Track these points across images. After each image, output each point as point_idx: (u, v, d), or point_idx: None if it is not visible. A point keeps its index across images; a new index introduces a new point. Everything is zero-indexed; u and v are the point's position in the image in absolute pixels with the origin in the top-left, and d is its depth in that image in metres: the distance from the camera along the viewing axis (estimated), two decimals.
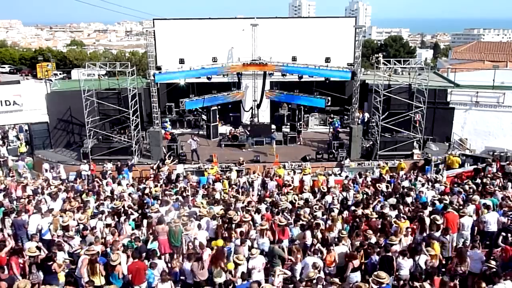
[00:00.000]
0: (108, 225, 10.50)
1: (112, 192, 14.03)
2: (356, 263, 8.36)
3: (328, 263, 8.46)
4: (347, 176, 16.44)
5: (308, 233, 9.64)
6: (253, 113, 24.41)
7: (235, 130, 21.69)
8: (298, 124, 22.70)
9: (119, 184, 15.00)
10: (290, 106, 23.60)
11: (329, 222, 10.24)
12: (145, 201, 12.78)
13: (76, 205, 12.01)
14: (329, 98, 20.93)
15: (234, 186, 14.37)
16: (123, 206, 11.97)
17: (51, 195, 13.08)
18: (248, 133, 22.04)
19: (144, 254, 8.62)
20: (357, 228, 9.89)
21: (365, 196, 12.93)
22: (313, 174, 16.51)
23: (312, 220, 10.47)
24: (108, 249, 9.19)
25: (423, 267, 8.22)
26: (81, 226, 10.52)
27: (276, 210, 11.59)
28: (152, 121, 20.23)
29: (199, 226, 10.29)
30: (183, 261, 8.65)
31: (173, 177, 15.70)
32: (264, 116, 24.57)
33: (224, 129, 23.59)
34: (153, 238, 9.38)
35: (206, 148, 21.43)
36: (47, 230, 10.38)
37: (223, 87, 23.54)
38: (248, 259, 8.37)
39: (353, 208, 11.71)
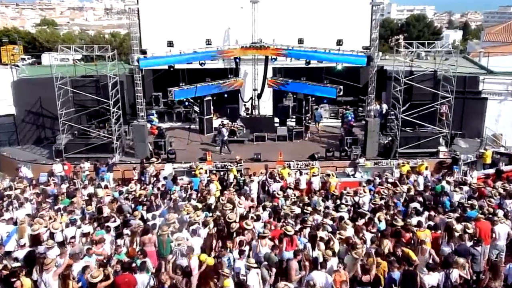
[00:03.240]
0: (86, 234, 10.50)
1: (90, 196, 14.03)
2: (367, 278, 8.32)
3: (338, 284, 8.32)
4: (363, 180, 16.44)
5: (322, 246, 9.62)
6: (253, 104, 24.46)
7: (233, 124, 21.69)
8: (305, 117, 22.75)
9: (99, 186, 15.01)
10: (296, 96, 23.61)
11: (342, 232, 10.24)
12: (128, 206, 12.84)
13: (48, 211, 12.01)
14: (341, 87, 20.92)
15: (231, 189, 14.39)
16: (103, 212, 11.98)
17: (17, 198, 13.09)
18: (244, 127, 22.16)
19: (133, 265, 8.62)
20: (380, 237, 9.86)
21: (383, 201, 12.97)
22: (323, 175, 16.54)
23: (321, 229, 10.51)
24: (89, 261, 9.18)
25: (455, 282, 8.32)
26: (56, 235, 10.52)
27: (279, 216, 11.67)
28: (136, 113, 20.24)
29: (193, 233, 10.30)
30: (175, 273, 8.65)
31: (163, 180, 15.75)
32: (266, 107, 24.58)
33: (219, 122, 23.66)
34: (141, 253, 9.25)
35: (198, 145, 21.46)
36: (7, 239, 10.37)
37: (219, 74, 23.50)
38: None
39: (369, 215, 11.79)
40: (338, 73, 22.09)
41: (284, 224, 10.92)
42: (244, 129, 22.37)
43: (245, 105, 24.34)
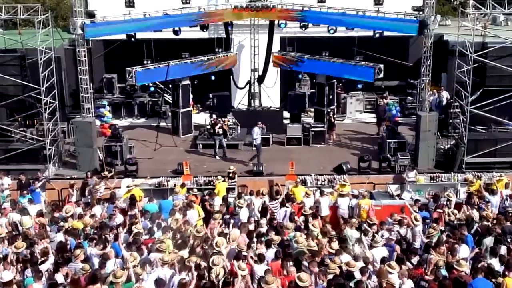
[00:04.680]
0: (6, 284, 10.48)
1: (12, 227, 14.02)
2: None
3: None
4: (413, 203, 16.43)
5: None
6: (252, 91, 24.48)
7: (221, 121, 21.73)
8: (329, 110, 22.79)
9: (23, 212, 15.01)
10: (315, 80, 23.63)
11: (384, 281, 10.25)
12: (62, 240, 12.84)
13: None
14: (382, 67, 20.98)
15: (216, 216, 14.37)
16: (34, 250, 11.94)
17: None
18: (238, 125, 22.23)
19: None
20: None
21: (444, 235, 12.96)
22: (353, 196, 16.47)
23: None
24: None
25: None
26: None
27: (289, 255, 11.65)
28: (80, 105, 20.31)
29: (157, 284, 10.33)
30: None
31: (119, 203, 15.78)
32: (271, 96, 24.64)
33: (202, 118, 23.60)
34: None
35: (172, 151, 21.49)
36: None
37: (201, 47, 23.57)
38: None
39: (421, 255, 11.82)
40: (376, 46, 22.08)
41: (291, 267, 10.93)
42: (239, 128, 22.38)
43: (249, 92, 24.46)
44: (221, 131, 20.84)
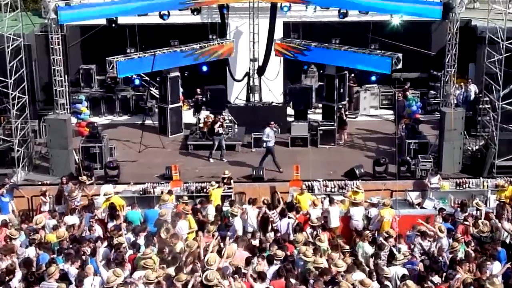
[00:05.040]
0: None
1: None
2: None
3: None
4: (437, 212, 16.43)
5: None
6: (251, 85, 24.53)
7: (216, 118, 21.74)
8: (340, 106, 22.83)
9: None
10: (323, 71, 23.67)
11: None
12: (39, 256, 12.84)
13: None
14: (400, 56, 20.99)
15: (211, 228, 14.40)
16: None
17: None
18: (235, 123, 22.28)
19: None
20: None
21: (470, 249, 13.05)
22: (371, 204, 16.53)
23: None
24: None
25: None
26: None
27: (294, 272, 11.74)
28: (54, 100, 20.34)
29: None
30: None
31: (99, 214, 15.82)
32: (273, 90, 24.70)
33: (193, 115, 23.75)
34: None
35: (159, 153, 21.58)
36: None
37: (193, 34, 23.65)
38: None
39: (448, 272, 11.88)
40: (394, 32, 22.12)
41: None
42: (236, 126, 22.44)
43: (247, 86, 24.51)
44: (221, 130, 20.84)
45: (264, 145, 20.22)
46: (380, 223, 15.46)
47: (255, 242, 13.91)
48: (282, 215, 15.45)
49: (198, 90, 23.06)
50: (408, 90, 24.02)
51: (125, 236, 14.01)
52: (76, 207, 16.21)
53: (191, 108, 24.12)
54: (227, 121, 22.18)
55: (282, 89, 24.94)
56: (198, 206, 16.32)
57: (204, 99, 23.01)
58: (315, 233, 14.47)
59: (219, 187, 17.37)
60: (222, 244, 13.31)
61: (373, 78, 23.21)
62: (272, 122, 20.44)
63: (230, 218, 15.25)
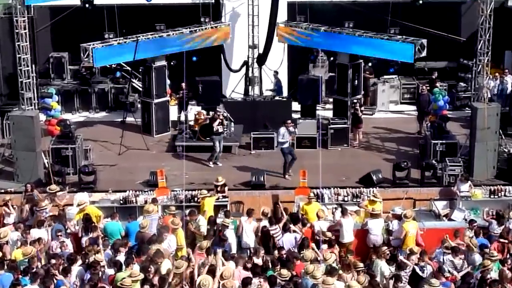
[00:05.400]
0: None
1: None
2: None
3: None
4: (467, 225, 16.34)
5: None
6: (250, 76, 24.50)
7: (216, 115, 21.58)
8: (354, 101, 22.80)
9: None
10: (334, 60, 23.69)
11: None
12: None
13: None
14: (424, 42, 20.97)
15: (204, 244, 14.33)
16: None
17: None
18: (231, 120, 22.24)
19: None
20: None
21: (506, 268, 12.96)
22: (389, 215, 16.53)
23: None
24: None
25: None
26: None
27: None
28: (19, 94, 20.30)
29: None
30: None
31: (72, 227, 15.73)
32: (276, 82, 24.72)
33: (182, 111, 23.62)
34: None
35: (143, 156, 21.58)
36: None
37: (181, 16, 23.68)
38: None
39: None
40: (417, 14, 22.04)
41: None
42: (232, 124, 22.36)
43: (246, 78, 24.46)
44: (221, 129, 20.70)
45: (280, 146, 20.13)
46: (402, 239, 15.35)
47: (258, 261, 13.81)
48: (285, 229, 15.39)
49: (183, 85, 22.79)
50: (436, 82, 23.98)
51: (104, 253, 13.93)
52: (44, 219, 16.09)
53: (177, 100, 24.06)
54: (222, 117, 22.06)
55: (287, 80, 24.91)
56: (187, 217, 16.24)
57: (190, 94, 23.00)
58: (325, 252, 14.37)
59: (211, 195, 17.27)
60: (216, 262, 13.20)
61: (393, 68, 23.08)
62: (289, 121, 20.38)
63: (224, 232, 15.18)
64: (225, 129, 21.66)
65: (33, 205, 17.05)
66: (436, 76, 24.35)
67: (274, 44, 23.66)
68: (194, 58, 23.25)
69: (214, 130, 20.70)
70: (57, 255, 13.93)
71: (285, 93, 24.63)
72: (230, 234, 15.22)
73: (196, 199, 17.88)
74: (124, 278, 12.25)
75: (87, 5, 21.30)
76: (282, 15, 23.84)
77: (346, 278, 12.60)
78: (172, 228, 14.97)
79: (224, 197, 17.92)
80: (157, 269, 13.06)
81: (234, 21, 24.62)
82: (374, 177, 19.38)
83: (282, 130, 19.99)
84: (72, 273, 12.61)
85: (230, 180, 18.71)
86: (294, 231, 15.38)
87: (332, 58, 24.01)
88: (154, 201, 17.06)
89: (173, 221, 15.23)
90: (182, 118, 22.93)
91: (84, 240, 14.82)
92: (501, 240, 14.81)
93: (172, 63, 23.12)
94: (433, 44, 21.70)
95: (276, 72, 24.53)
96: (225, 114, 22.18)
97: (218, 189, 17.92)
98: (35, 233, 15.16)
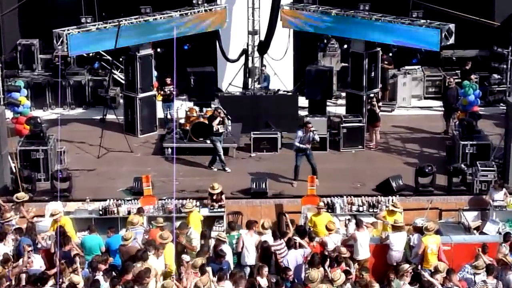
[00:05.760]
0: None
1: None
2: None
3: None
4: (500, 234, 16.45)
5: None
6: (249, 66, 24.58)
7: (216, 112, 21.48)
8: (371, 95, 22.81)
9: None
10: (347, 48, 23.77)
11: None
12: None
13: None
14: (452, 27, 21.01)
15: (198, 262, 14.35)
16: None
17: None
18: (229, 118, 22.15)
19: None
20: None
21: None
22: (410, 227, 16.52)
23: None
24: None
25: None
26: None
27: None
28: None
29: None
30: None
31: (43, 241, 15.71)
32: (280, 74, 24.80)
33: (168, 112, 23.70)
34: None
35: (125, 160, 21.65)
36: None
37: None
38: None
39: None
40: None
41: None
42: (229, 122, 22.32)
43: (245, 68, 24.50)
44: (221, 129, 20.60)
45: (296, 147, 19.99)
46: (422, 255, 15.33)
47: (263, 282, 13.84)
48: (289, 245, 15.30)
49: (168, 80, 22.90)
50: (471, 74, 23.94)
51: (81, 272, 13.93)
52: (6, 232, 16.06)
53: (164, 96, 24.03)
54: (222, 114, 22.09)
55: (292, 72, 24.99)
56: (177, 231, 16.20)
57: (177, 91, 23.04)
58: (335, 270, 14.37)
59: (195, 208, 17.15)
60: (212, 284, 13.24)
61: (416, 57, 23.08)
62: (310, 124, 20.16)
63: (218, 245, 15.19)
64: (226, 129, 21.66)
65: None
66: (470, 66, 24.31)
67: (277, 29, 23.71)
68: (186, 47, 23.28)
69: (214, 130, 20.55)
70: (26, 273, 13.94)
71: (290, 86, 24.57)
72: (226, 248, 15.19)
73: (185, 206, 17.55)
74: None
75: None
76: None
77: None
78: (160, 243, 14.99)
79: (220, 206, 17.86)
80: None
81: (232, 3, 24.72)
82: (394, 184, 19.36)
83: (300, 133, 19.85)
84: None
85: (226, 187, 18.71)
86: (301, 246, 15.32)
87: (345, 46, 24.12)
88: (140, 211, 17.04)
89: (161, 235, 15.16)
90: (170, 117, 22.90)
91: (57, 257, 14.80)
92: None
93: (159, 51, 23.12)
94: (462, 29, 21.77)
95: (264, 66, 24.57)
96: (219, 110, 22.13)
97: (214, 197, 17.88)
98: None
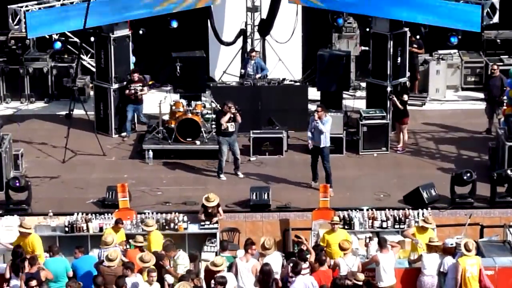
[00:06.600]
0: None
1: None
2: None
3: None
4: None
5: None
6: (248, 51, 24.72)
7: (226, 107, 21.47)
8: (397, 87, 22.96)
9: None
10: (368, 28, 23.85)
11: None
12: None
13: None
14: (495, 3, 20.88)
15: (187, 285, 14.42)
16: None
17: None
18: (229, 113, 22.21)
19: None
20: None
21: None
22: (445, 250, 16.28)
23: None
24: None
25: None
26: None
27: None
28: None
29: None
30: None
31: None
32: (286, 60, 25.01)
33: (155, 102, 23.71)
34: None
35: (97, 164, 21.76)
36: None
37: None
38: None
39: None
40: None
41: None
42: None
43: (243, 53, 24.56)
44: (231, 128, 20.51)
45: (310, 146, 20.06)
46: (459, 279, 15.28)
47: None
48: (296, 271, 15.14)
49: (135, 76, 22.88)
50: None
51: None
52: None
53: (150, 89, 24.06)
54: (209, 111, 22.35)
55: (301, 57, 25.05)
56: (161, 252, 16.24)
57: (145, 89, 23.13)
58: None
59: (157, 229, 17.09)
60: None
61: (452, 40, 23.11)
62: (319, 108, 19.98)
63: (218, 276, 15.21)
64: (208, 128, 21.86)
65: None
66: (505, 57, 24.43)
67: (282, 5, 23.82)
68: (173, 22, 23.29)
69: (222, 128, 20.52)
70: None
71: (299, 75, 24.62)
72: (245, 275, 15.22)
73: (173, 225, 17.86)
74: None
75: None
76: None
77: None
78: (140, 267, 15.08)
79: (211, 222, 17.86)
80: None
81: None
82: (425, 194, 19.39)
83: (320, 124, 19.75)
84: None
85: (221, 199, 18.47)
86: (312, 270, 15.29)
87: (365, 28, 24.16)
88: (118, 222, 17.01)
89: (141, 258, 15.26)
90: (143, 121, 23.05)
91: (13, 284, 14.88)
92: None
93: (140, 32, 23.17)
94: (509, 6, 21.78)
95: (255, 51, 24.46)
96: (213, 105, 22.23)
97: (209, 211, 17.92)
98: None
